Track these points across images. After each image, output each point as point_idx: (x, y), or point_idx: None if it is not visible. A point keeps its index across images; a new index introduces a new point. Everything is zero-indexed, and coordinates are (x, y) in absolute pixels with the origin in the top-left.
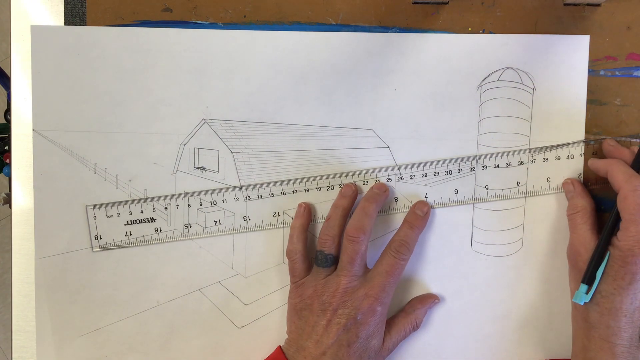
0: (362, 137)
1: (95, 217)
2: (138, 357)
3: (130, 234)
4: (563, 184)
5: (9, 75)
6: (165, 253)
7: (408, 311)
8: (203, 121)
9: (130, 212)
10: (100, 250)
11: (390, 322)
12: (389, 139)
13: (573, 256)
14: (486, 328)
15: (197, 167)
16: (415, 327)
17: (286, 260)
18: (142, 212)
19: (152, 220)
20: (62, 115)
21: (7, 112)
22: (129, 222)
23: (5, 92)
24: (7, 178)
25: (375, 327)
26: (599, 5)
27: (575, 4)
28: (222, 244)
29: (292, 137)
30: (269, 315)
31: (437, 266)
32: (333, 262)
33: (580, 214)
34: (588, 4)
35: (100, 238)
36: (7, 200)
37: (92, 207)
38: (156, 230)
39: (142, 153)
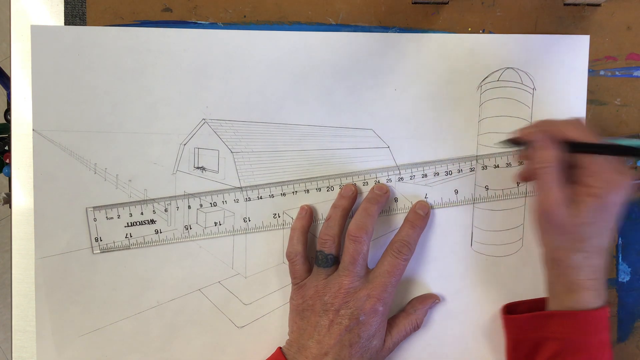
0: (362, 137)
1: (95, 219)
2: (138, 357)
3: (131, 236)
4: (526, 134)
5: (9, 75)
6: (165, 253)
7: (409, 311)
8: (203, 121)
9: (131, 213)
10: (101, 252)
11: (391, 322)
12: (389, 139)
13: (550, 214)
14: (486, 328)
15: (197, 167)
16: (416, 327)
17: (286, 261)
18: (142, 213)
19: (152, 222)
20: (62, 115)
21: (7, 112)
22: (129, 224)
23: (5, 92)
24: (7, 178)
25: (377, 327)
26: (599, 5)
27: (575, 4)
28: (222, 244)
29: (292, 137)
30: (269, 315)
31: (437, 266)
32: (333, 262)
33: (552, 167)
34: (588, 4)
35: (101, 240)
36: (7, 200)
37: (92, 209)
38: (156, 231)
39: (142, 153)
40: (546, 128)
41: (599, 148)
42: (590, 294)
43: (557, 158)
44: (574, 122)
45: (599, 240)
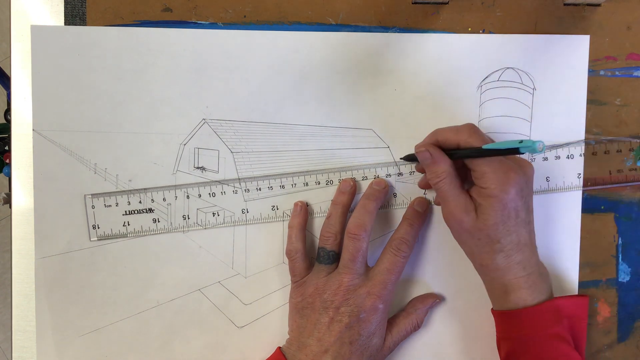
0: (362, 137)
1: (93, 207)
2: (138, 357)
3: (129, 224)
4: (417, 152)
5: (9, 75)
6: (165, 253)
7: (409, 311)
8: (203, 121)
9: (129, 202)
10: (98, 240)
11: (391, 321)
12: (389, 139)
13: (457, 222)
14: (486, 328)
15: (197, 167)
16: (417, 327)
17: (286, 260)
18: (140, 202)
19: (151, 210)
20: (62, 115)
21: (7, 112)
22: (127, 212)
23: (5, 92)
24: (7, 178)
25: (377, 325)
26: (599, 5)
27: (575, 4)
28: (222, 244)
29: (292, 137)
30: (269, 315)
31: (437, 266)
32: (335, 259)
33: (446, 179)
34: (588, 4)
35: (98, 227)
36: (7, 200)
37: (90, 196)
38: (154, 220)
39: (142, 153)
40: (437, 139)
41: (480, 152)
42: (524, 291)
43: (448, 170)
44: (465, 128)
45: (513, 237)
